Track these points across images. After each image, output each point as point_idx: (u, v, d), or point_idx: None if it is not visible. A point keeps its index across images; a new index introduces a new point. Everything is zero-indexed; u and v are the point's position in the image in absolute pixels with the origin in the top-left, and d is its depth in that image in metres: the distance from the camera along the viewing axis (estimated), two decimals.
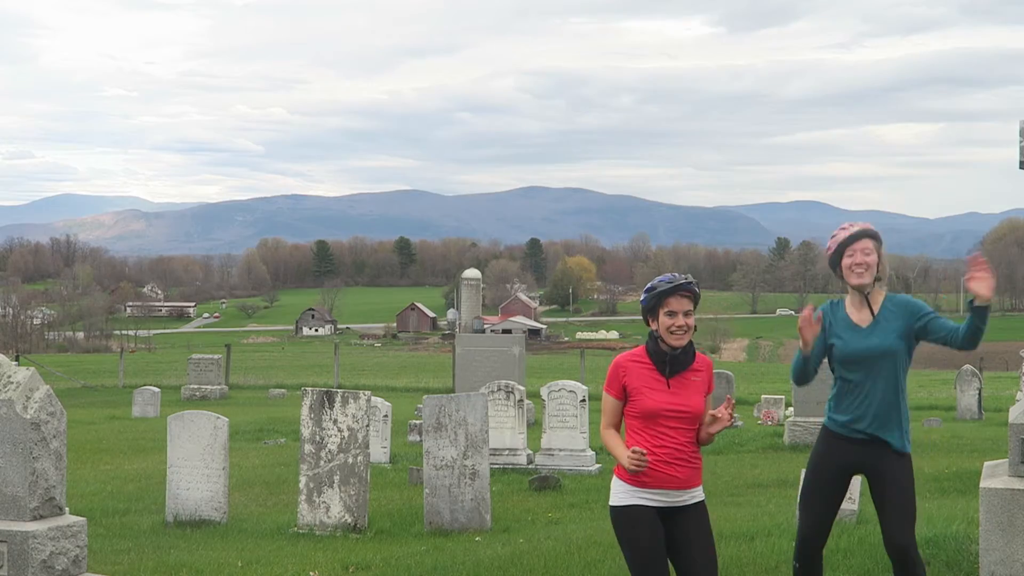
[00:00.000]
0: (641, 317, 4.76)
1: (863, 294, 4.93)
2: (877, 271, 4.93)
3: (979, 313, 4.75)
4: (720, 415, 4.61)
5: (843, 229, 4.97)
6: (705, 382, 4.68)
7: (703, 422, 4.67)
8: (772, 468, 13.51)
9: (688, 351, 4.64)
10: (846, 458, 4.98)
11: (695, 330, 4.63)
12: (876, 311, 4.92)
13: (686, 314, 4.58)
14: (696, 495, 4.67)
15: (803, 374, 5.05)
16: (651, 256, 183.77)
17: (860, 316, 4.97)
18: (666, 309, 4.58)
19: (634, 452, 4.48)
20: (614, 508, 4.67)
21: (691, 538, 4.61)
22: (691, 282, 4.61)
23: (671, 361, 4.60)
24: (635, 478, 4.58)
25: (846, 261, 4.91)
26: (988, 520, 5.65)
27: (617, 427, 4.75)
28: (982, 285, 4.72)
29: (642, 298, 4.70)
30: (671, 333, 4.57)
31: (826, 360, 5.10)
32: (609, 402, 4.71)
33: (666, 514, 4.62)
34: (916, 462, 5.08)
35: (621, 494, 4.64)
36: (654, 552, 4.56)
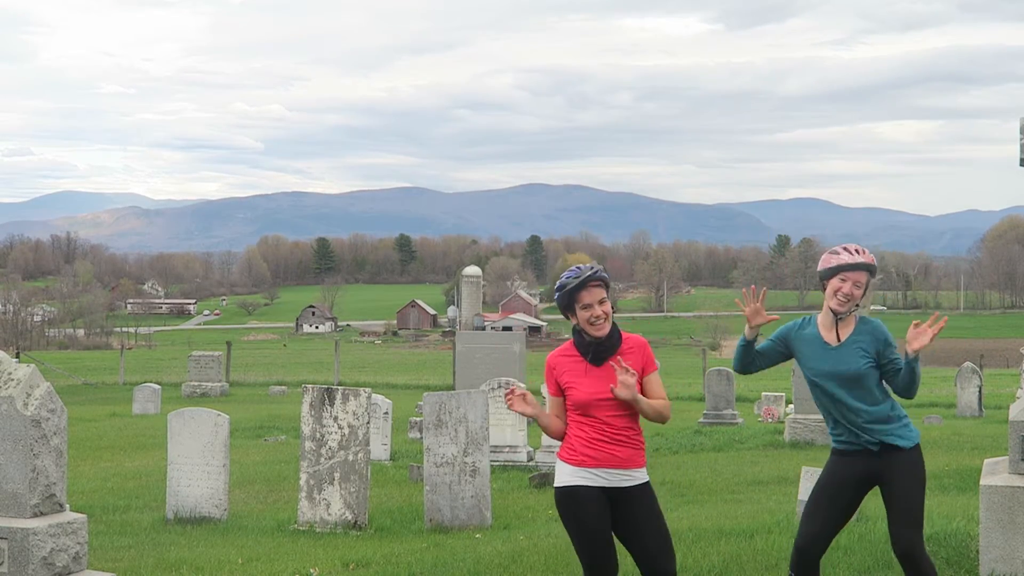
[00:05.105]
0: (561, 314, 4.82)
1: (836, 317, 4.94)
2: (858, 302, 4.95)
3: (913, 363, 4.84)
4: (623, 382, 4.54)
5: (847, 251, 4.92)
6: (639, 362, 4.69)
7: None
8: (772, 465, 13.51)
9: (613, 336, 4.69)
10: (854, 469, 4.93)
11: (612, 314, 4.72)
12: (848, 334, 4.92)
13: (600, 303, 4.66)
14: (639, 476, 4.69)
15: (742, 361, 5.07)
16: (651, 253, 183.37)
17: (830, 335, 4.94)
18: (580, 304, 4.67)
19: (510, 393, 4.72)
20: (559, 489, 4.70)
21: (640, 522, 4.64)
22: (596, 271, 4.69)
23: (595, 350, 4.68)
24: (576, 458, 4.63)
25: (835, 284, 4.87)
26: (988, 517, 5.66)
27: (563, 420, 4.81)
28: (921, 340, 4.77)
29: (555, 296, 4.76)
30: (591, 324, 4.66)
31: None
32: (550, 400, 4.83)
33: (612, 496, 4.65)
34: None
35: (565, 475, 4.68)
36: (600, 533, 4.61)
